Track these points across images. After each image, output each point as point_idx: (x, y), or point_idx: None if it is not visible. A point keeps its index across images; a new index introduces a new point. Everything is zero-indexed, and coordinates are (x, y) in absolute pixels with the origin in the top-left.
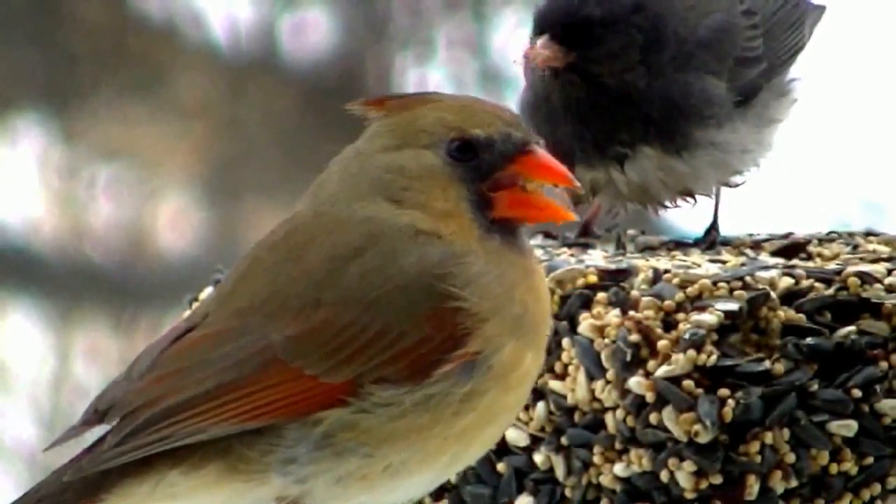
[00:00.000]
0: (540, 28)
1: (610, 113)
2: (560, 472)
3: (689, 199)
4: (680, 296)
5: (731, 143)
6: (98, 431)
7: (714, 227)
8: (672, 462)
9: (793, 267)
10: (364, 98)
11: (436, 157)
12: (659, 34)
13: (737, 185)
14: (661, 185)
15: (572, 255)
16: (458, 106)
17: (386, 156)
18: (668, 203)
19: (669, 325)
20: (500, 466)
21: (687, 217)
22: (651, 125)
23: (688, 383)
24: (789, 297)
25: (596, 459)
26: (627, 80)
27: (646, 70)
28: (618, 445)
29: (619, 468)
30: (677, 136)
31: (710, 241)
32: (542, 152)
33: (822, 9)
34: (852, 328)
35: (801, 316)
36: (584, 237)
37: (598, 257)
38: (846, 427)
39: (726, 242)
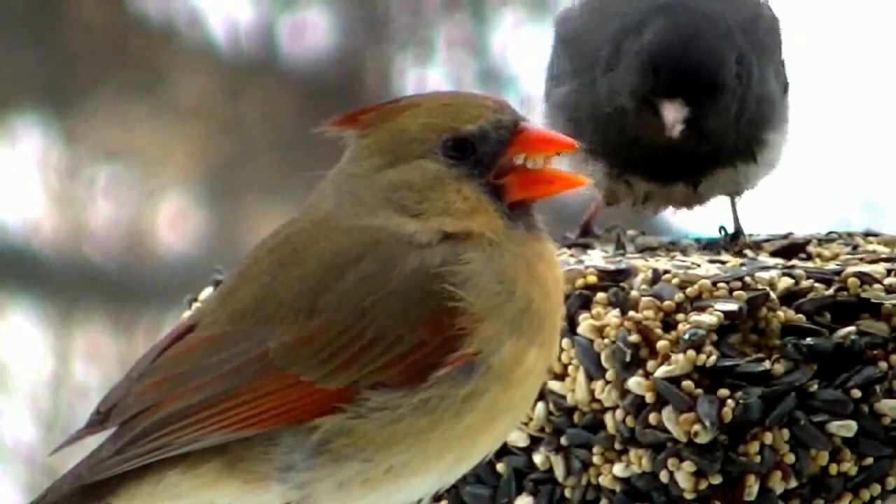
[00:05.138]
0: (670, 91)
1: (703, 155)
2: (559, 473)
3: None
4: (679, 296)
5: (779, 141)
6: (102, 435)
7: (740, 231)
8: (672, 462)
9: (792, 267)
10: (335, 117)
11: (435, 163)
12: (745, 63)
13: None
14: (720, 191)
15: (572, 256)
16: (440, 106)
17: (384, 175)
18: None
19: (669, 325)
20: (500, 467)
21: (687, 217)
22: (736, 153)
23: (687, 384)
24: (789, 298)
25: (595, 460)
26: (731, 118)
27: (741, 103)
28: (617, 446)
29: (618, 468)
30: (754, 145)
31: (742, 245)
32: (534, 128)
33: None
34: (852, 328)
35: (801, 316)
36: (584, 237)
37: (597, 258)
38: (846, 427)
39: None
